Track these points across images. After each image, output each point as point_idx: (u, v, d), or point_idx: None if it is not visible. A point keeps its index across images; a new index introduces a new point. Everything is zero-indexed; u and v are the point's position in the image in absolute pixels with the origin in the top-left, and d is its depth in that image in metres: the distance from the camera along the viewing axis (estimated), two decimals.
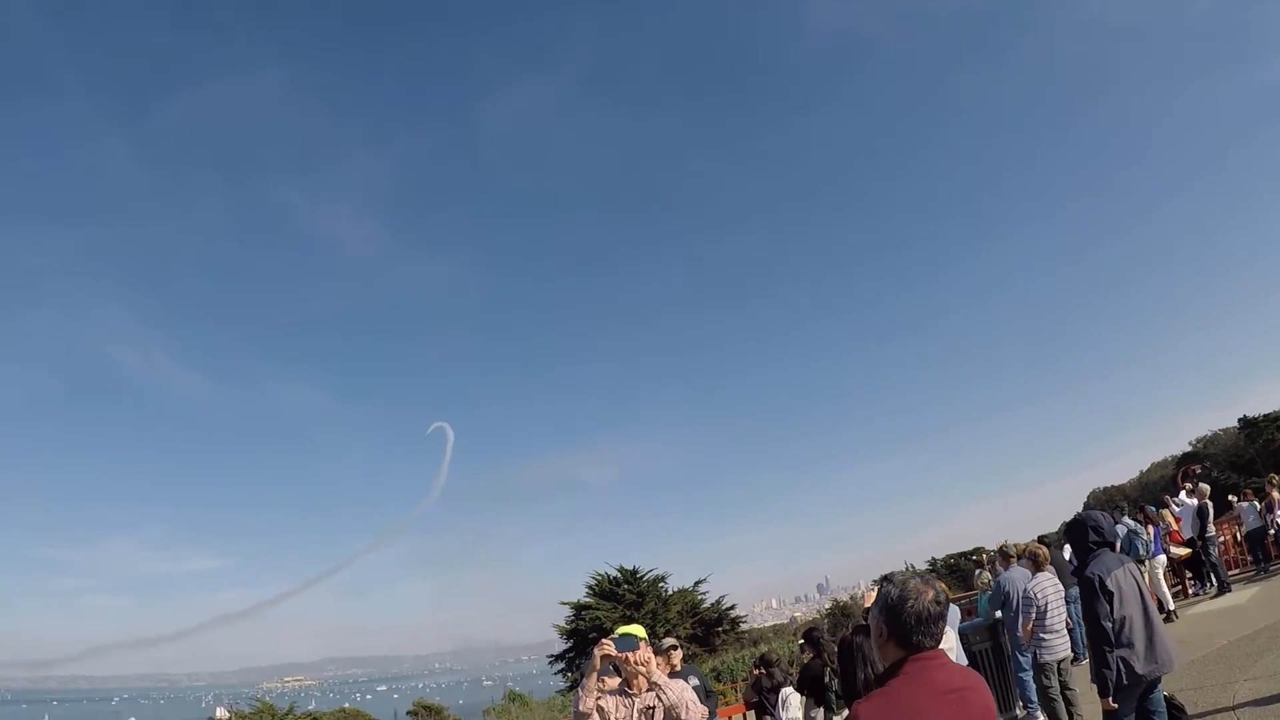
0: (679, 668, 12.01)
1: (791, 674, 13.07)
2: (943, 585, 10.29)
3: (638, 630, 6.45)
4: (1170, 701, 7.65)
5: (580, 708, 6.30)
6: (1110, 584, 7.45)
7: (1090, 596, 7.55)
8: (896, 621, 3.48)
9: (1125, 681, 7.31)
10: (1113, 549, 7.82)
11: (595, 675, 6.26)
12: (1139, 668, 7.31)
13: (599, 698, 6.32)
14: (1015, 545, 13.88)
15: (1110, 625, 7.39)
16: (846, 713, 11.55)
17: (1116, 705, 7.42)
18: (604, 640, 6.32)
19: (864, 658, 4.62)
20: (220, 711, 62.48)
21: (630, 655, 6.20)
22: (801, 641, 15.39)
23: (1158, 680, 7.55)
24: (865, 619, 7.61)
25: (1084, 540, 7.87)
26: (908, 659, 3.45)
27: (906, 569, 54.14)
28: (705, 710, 6.31)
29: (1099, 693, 7.69)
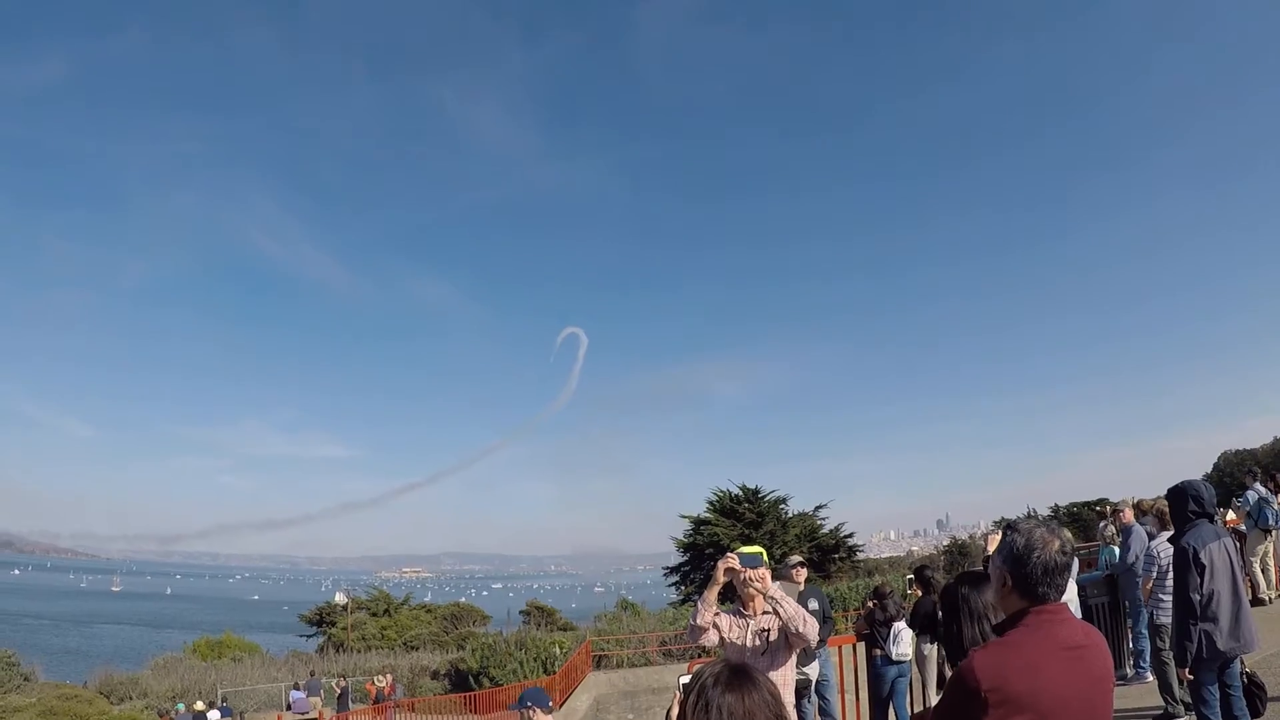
0: (803, 588, 12.17)
1: (904, 608, 13.15)
2: (1069, 534, 10.61)
3: (760, 552, 6.55)
4: (1251, 679, 7.67)
5: (698, 621, 6.45)
6: (1204, 556, 7.49)
7: (1182, 567, 7.64)
8: (1021, 572, 3.43)
9: (1205, 655, 7.40)
10: (1211, 521, 7.79)
11: (716, 589, 6.36)
12: (1220, 644, 7.38)
13: (716, 614, 6.45)
14: (1144, 501, 13.49)
15: (1198, 598, 7.45)
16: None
17: (1193, 676, 7.55)
18: (729, 554, 6.41)
19: (969, 610, 4.75)
20: (339, 595, 65.08)
21: (752, 572, 6.27)
22: (911, 577, 15.60)
23: (1236, 657, 7.58)
24: (985, 565, 7.47)
25: (1183, 509, 7.86)
26: (1029, 611, 3.41)
27: (1028, 514, 53.20)
28: (817, 626, 6.41)
29: (1176, 662, 7.91)
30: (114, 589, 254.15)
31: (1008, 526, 3.64)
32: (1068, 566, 3.45)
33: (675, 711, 2.83)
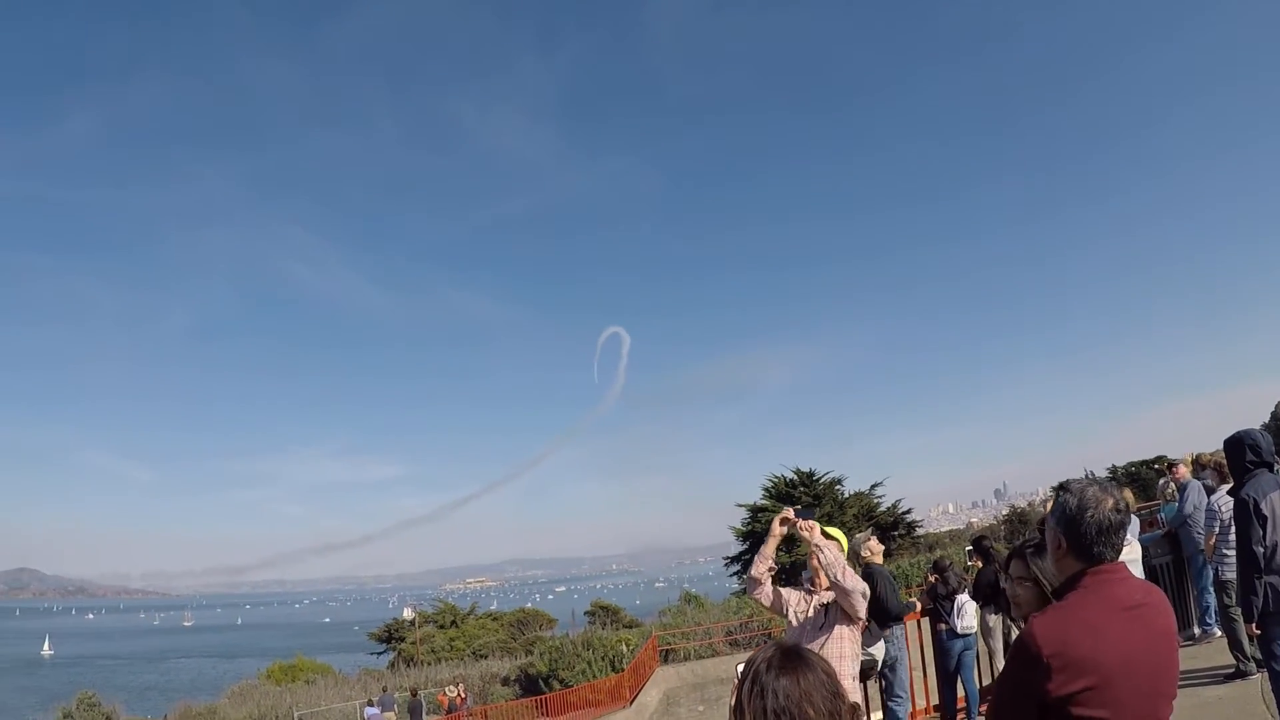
0: (878, 561, 11.61)
1: (966, 580, 13.05)
2: (1127, 493, 10.31)
3: (835, 533, 6.67)
4: None
5: (752, 571, 6.54)
6: (1265, 507, 7.28)
7: (1243, 519, 7.43)
8: (1075, 533, 3.38)
9: (1272, 608, 7.18)
10: (1270, 470, 7.52)
11: (773, 542, 6.40)
12: None
13: (772, 568, 6.51)
14: (1203, 455, 13.17)
15: (1261, 550, 7.24)
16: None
17: (1260, 631, 7.33)
18: (786, 509, 6.45)
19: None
20: (406, 611, 65.65)
21: (802, 521, 6.31)
22: (970, 549, 15.47)
23: None
24: (1041, 530, 7.47)
25: (1241, 459, 7.62)
26: (1086, 572, 3.36)
27: (1086, 475, 52.60)
28: (862, 585, 6.35)
29: (1243, 617, 7.76)
30: (185, 624, 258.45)
31: (1059, 487, 3.61)
32: (1123, 525, 3.39)
33: (732, 700, 2.79)
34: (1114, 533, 3.33)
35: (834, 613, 6.44)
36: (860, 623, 6.47)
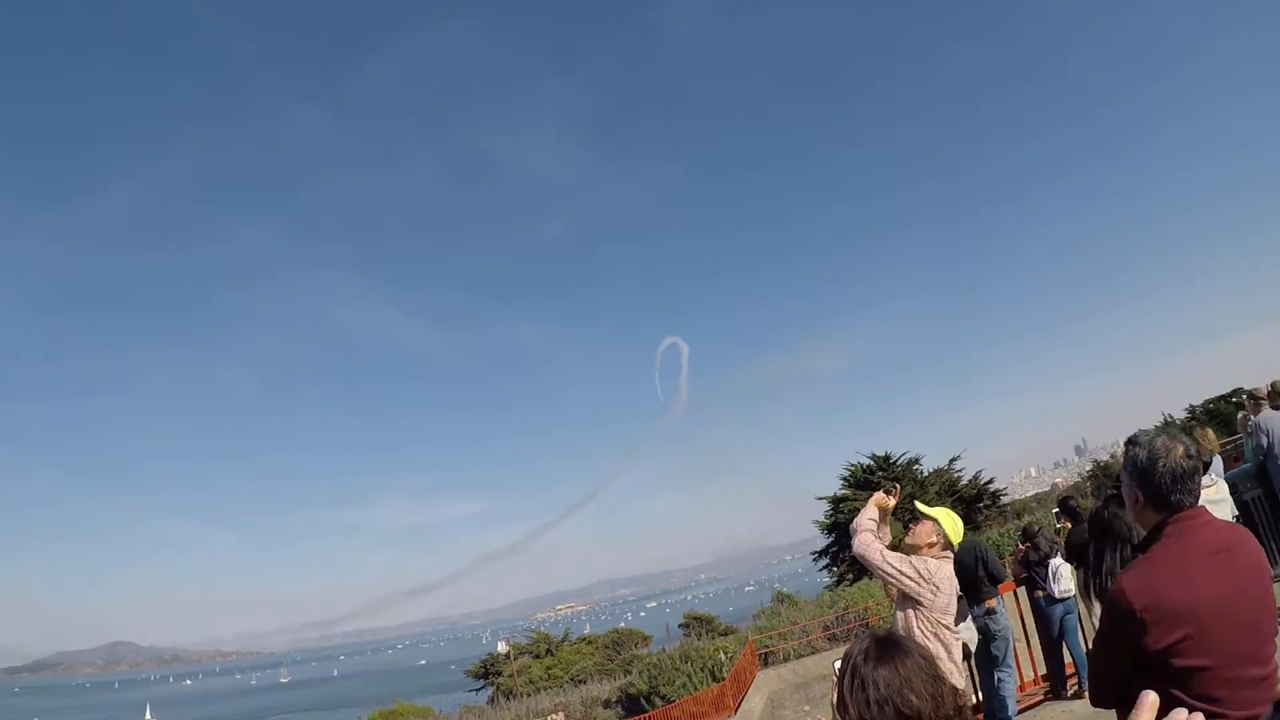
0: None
1: (1057, 544, 12.91)
2: (1209, 433, 10.01)
3: (933, 512, 6.65)
4: None
5: (856, 521, 6.63)
6: None
7: None
8: (1150, 484, 3.40)
9: None
10: None
11: (872, 509, 6.66)
12: None
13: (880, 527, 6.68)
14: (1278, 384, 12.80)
15: None
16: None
17: None
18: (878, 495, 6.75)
19: (1113, 535, 4.60)
20: (500, 645, 66.10)
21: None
22: (1057, 511, 15.19)
23: None
24: (1118, 484, 7.35)
25: None
26: (1168, 521, 3.37)
27: (1164, 419, 51.33)
28: (890, 566, 6.38)
29: None
30: (283, 680, 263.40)
31: (1129, 441, 3.62)
32: (1197, 470, 3.40)
33: (835, 696, 2.75)
34: (1189, 478, 3.37)
35: (900, 595, 6.48)
36: (924, 604, 6.30)
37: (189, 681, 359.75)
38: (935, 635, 6.17)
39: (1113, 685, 3.39)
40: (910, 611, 6.30)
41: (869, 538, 6.47)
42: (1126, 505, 3.66)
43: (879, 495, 6.75)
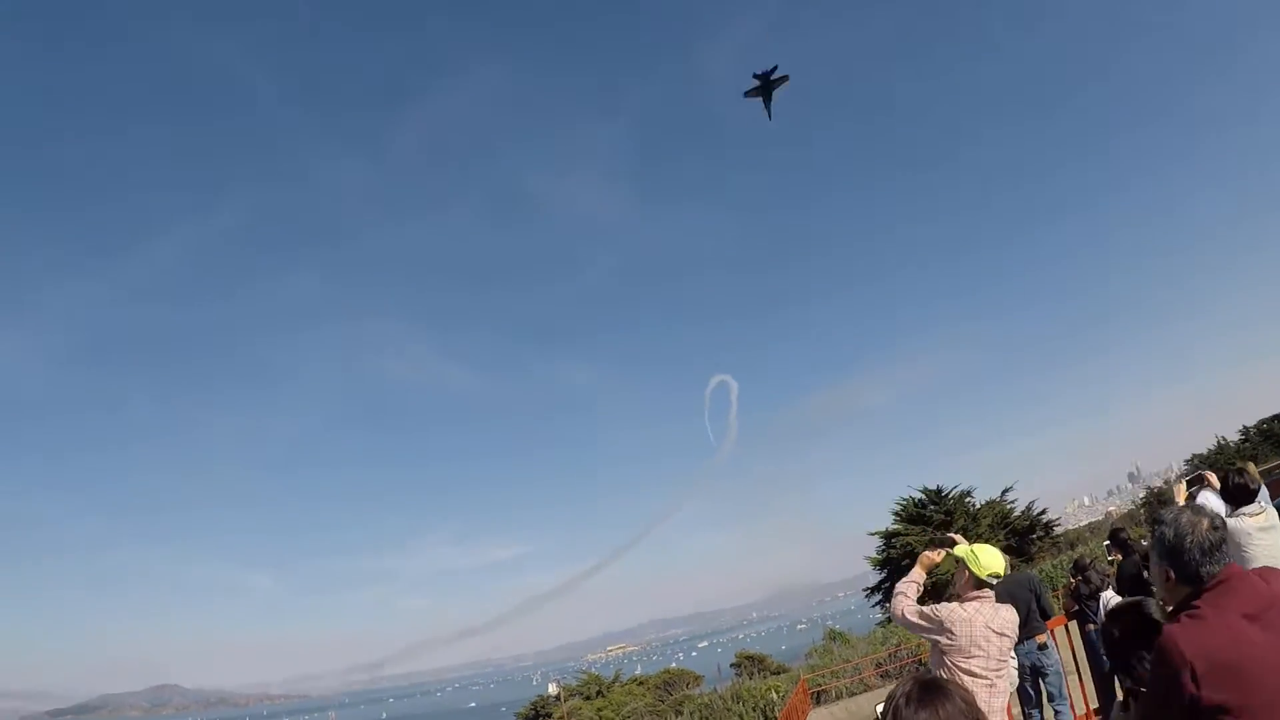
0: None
1: (1109, 576, 12.80)
2: (1249, 466, 9.89)
3: (976, 555, 6.58)
4: None
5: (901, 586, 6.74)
6: None
7: None
8: (1180, 562, 3.49)
9: None
10: None
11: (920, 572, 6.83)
12: None
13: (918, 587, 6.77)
14: None
15: None
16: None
17: None
18: (929, 553, 6.89)
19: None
20: (551, 687, 65.86)
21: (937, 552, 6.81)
22: (1108, 543, 15.06)
23: None
24: (1145, 560, 7.20)
25: None
26: (1202, 590, 3.43)
27: (1218, 444, 50.25)
28: (900, 613, 6.60)
29: None
30: None
31: (1153, 520, 3.76)
32: (1224, 540, 3.51)
33: None
34: (1216, 549, 3.47)
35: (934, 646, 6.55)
36: (943, 649, 6.34)
37: None
38: (959, 677, 6.17)
39: None
40: (939, 656, 6.37)
41: (900, 600, 6.64)
42: (1156, 582, 3.72)
43: (926, 555, 6.86)
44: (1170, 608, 3.63)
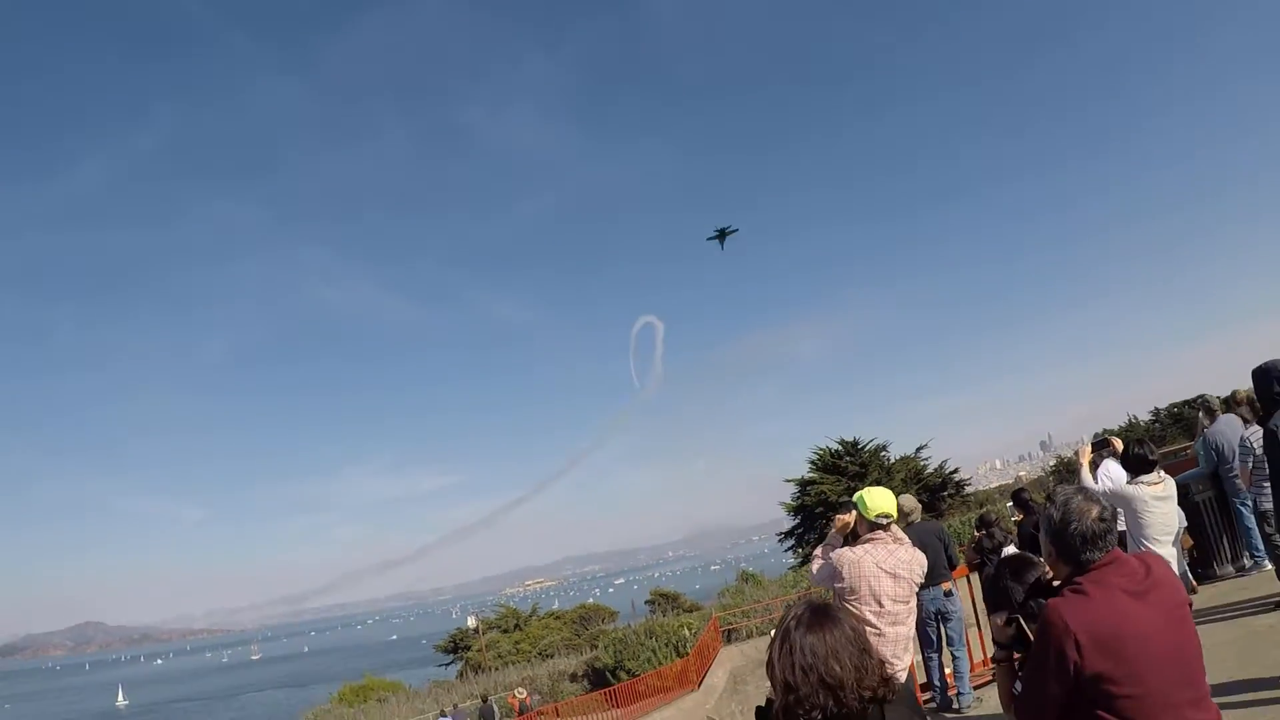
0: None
1: (1010, 534, 13.25)
2: (1155, 447, 10.23)
3: (864, 498, 6.56)
4: None
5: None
6: None
7: (1272, 449, 7.51)
8: (1062, 543, 3.62)
9: None
10: None
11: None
12: None
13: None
14: (1239, 391, 13.06)
15: None
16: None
17: None
18: (840, 517, 6.77)
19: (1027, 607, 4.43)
20: (469, 620, 65.91)
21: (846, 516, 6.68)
22: (1010, 504, 15.63)
23: None
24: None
25: (1269, 390, 7.63)
26: (1083, 572, 3.58)
27: (1129, 421, 51.58)
28: (821, 572, 6.71)
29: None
30: (254, 658, 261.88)
31: (1047, 497, 3.84)
32: (1109, 530, 3.61)
33: (767, 657, 3.01)
34: (1100, 539, 3.57)
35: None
36: (845, 591, 6.40)
37: (160, 661, 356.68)
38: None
39: (1052, 715, 3.53)
40: (838, 602, 6.29)
41: (813, 563, 6.88)
42: (1043, 555, 3.85)
43: (838, 518, 6.80)
44: (1056, 582, 3.75)
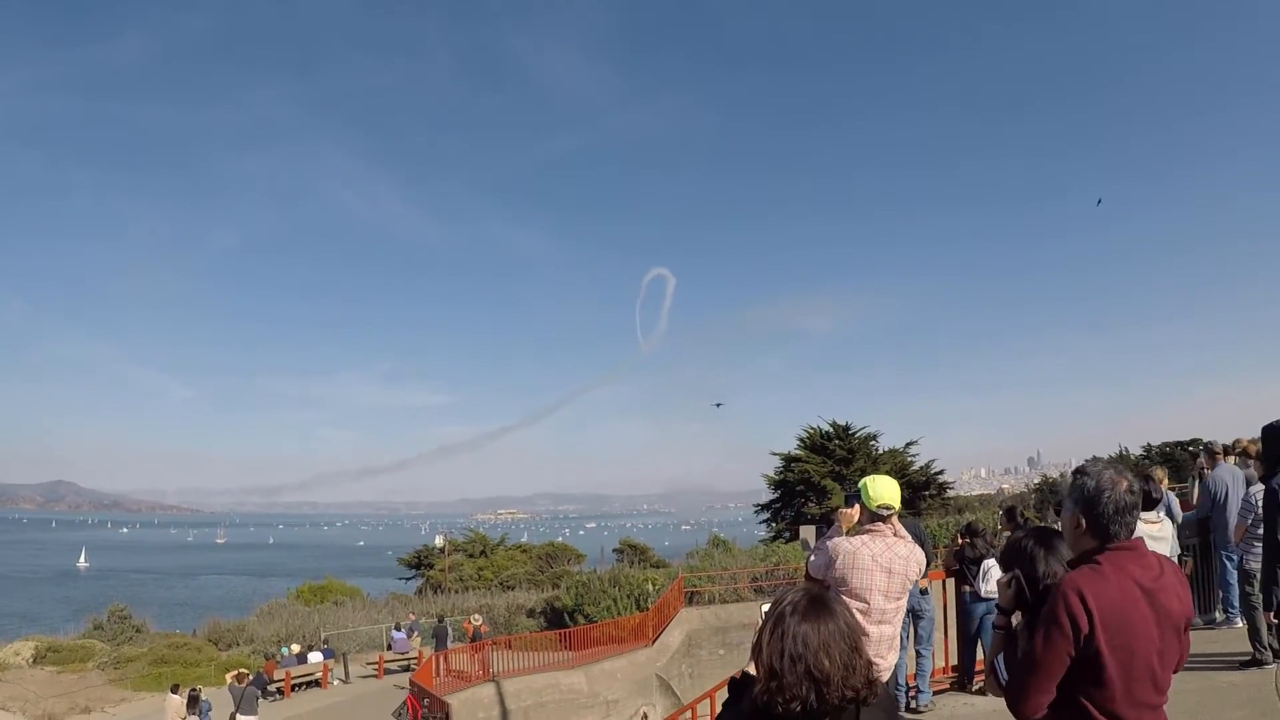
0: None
1: (994, 547, 13.12)
2: (1160, 471, 10.12)
3: (867, 485, 6.34)
4: None
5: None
6: None
7: (1271, 508, 7.41)
8: (1093, 513, 3.56)
9: None
10: None
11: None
12: None
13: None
14: (1244, 441, 12.91)
15: None
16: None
17: (1278, 621, 7.37)
18: (844, 511, 6.56)
19: (1036, 568, 4.41)
20: (437, 539, 66.33)
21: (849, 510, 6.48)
22: (1001, 514, 15.49)
23: None
24: (1057, 510, 7.28)
25: (1275, 449, 7.56)
26: (1105, 549, 3.53)
27: (1120, 452, 51.58)
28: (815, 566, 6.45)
29: (1263, 605, 7.74)
30: (219, 541, 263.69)
31: (1077, 471, 3.76)
32: (1136, 505, 3.58)
33: (755, 639, 2.89)
34: (1128, 512, 3.54)
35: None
36: (838, 582, 6.12)
37: (125, 530, 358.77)
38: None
39: (1050, 693, 3.49)
40: (835, 591, 5.92)
41: (810, 557, 6.59)
42: (1065, 528, 3.80)
43: (843, 511, 6.58)
44: (1073, 555, 3.72)
